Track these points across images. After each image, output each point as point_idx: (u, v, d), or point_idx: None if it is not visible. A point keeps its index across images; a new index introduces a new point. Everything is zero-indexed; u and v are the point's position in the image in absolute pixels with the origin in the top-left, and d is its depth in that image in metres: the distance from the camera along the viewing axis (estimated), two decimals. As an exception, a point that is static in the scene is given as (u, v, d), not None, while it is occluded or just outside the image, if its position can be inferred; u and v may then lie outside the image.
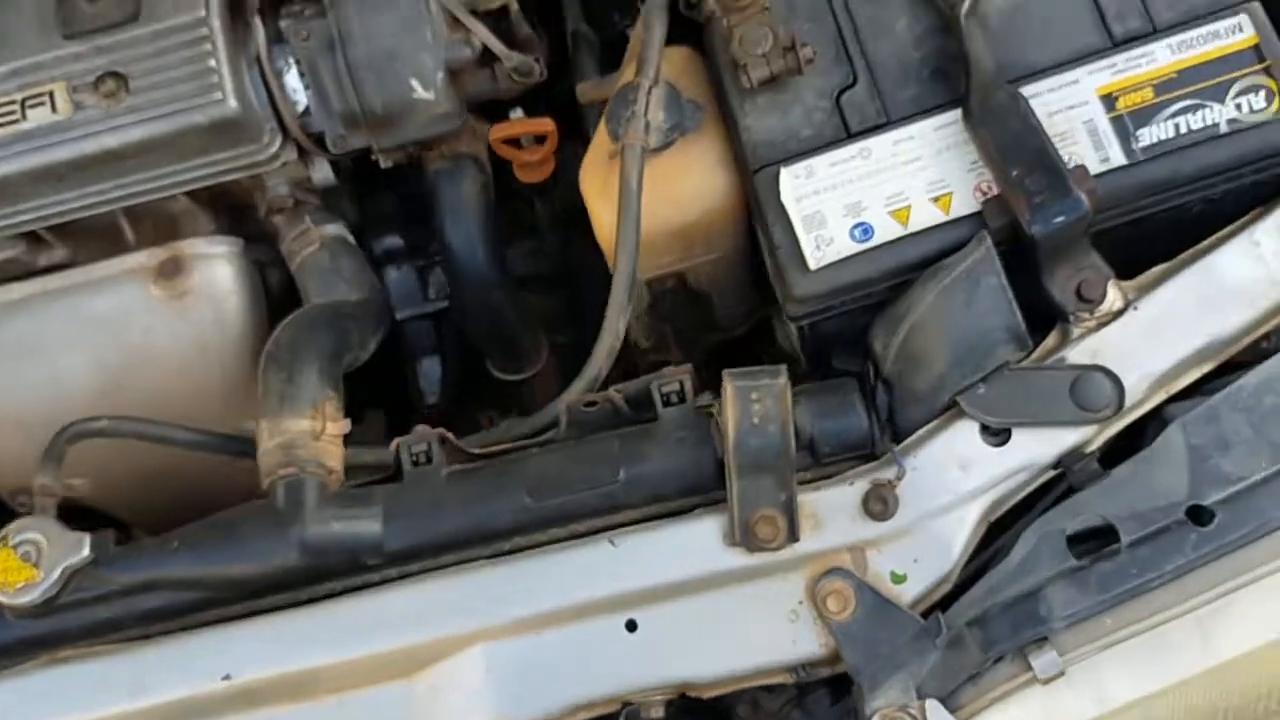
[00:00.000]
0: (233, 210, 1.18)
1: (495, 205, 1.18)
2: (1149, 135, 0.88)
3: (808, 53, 0.93)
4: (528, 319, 1.28)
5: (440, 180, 1.15)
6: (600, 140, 1.00)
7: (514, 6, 1.06)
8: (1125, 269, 0.91)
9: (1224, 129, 0.87)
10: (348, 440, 0.97)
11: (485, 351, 1.30)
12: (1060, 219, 0.85)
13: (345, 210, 1.21)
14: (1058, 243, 0.87)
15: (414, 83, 1.02)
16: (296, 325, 1.02)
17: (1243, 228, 0.90)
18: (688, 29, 1.03)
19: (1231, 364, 0.90)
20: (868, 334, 0.93)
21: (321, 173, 1.11)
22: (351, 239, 1.16)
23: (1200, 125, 0.87)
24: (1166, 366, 0.88)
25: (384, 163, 1.10)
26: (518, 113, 1.09)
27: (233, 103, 1.02)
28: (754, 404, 0.88)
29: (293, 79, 1.06)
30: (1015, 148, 0.86)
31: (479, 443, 1.00)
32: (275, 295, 1.19)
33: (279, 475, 0.93)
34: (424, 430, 0.99)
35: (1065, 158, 0.88)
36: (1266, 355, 0.91)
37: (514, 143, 1.10)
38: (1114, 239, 0.90)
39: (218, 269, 1.14)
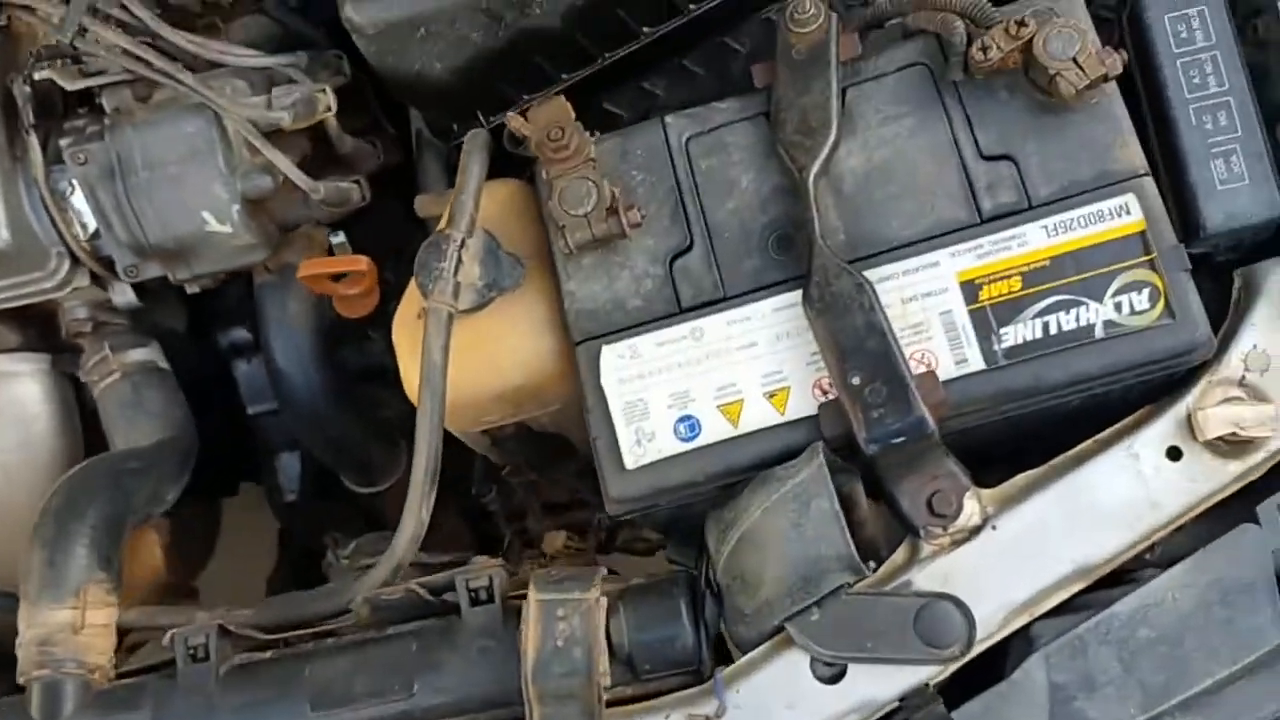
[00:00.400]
0: (43, 320, 1.07)
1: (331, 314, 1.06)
2: (1013, 335, 0.76)
3: (634, 216, 0.81)
4: (379, 426, 1.17)
5: (265, 295, 1.04)
6: (413, 292, 0.89)
7: (332, 123, 0.94)
8: (994, 458, 0.80)
9: (1099, 333, 0.75)
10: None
11: (331, 467, 1.19)
12: (899, 439, 0.74)
13: (170, 315, 1.09)
14: (900, 459, 0.75)
15: (206, 215, 0.90)
16: (69, 489, 0.91)
17: (1120, 436, 0.78)
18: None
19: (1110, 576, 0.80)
20: (704, 528, 0.82)
21: (123, 296, 1.00)
22: (162, 363, 1.05)
23: (1072, 326, 0.75)
24: (1026, 596, 0.77)
25: (190, 289, 0.99)
26: (339, 238, 0.97)
27: (4, 233, 0.91)
28: (559, 622, 0.78)
29: (79, 200, 0.94)
30: (856, 348, 0.74)
31: (272, 618, 0.90)
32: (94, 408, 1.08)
33: (34, 675, 0.83)
34: (203, 619, 0.89)
35: (916, 355, 0.76)
36: (1150, 565, 0.81)
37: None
38: (977, 436, 0.79)
39: (22, 388, 1.04)
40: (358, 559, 1.17)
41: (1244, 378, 0.77)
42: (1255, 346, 0.77)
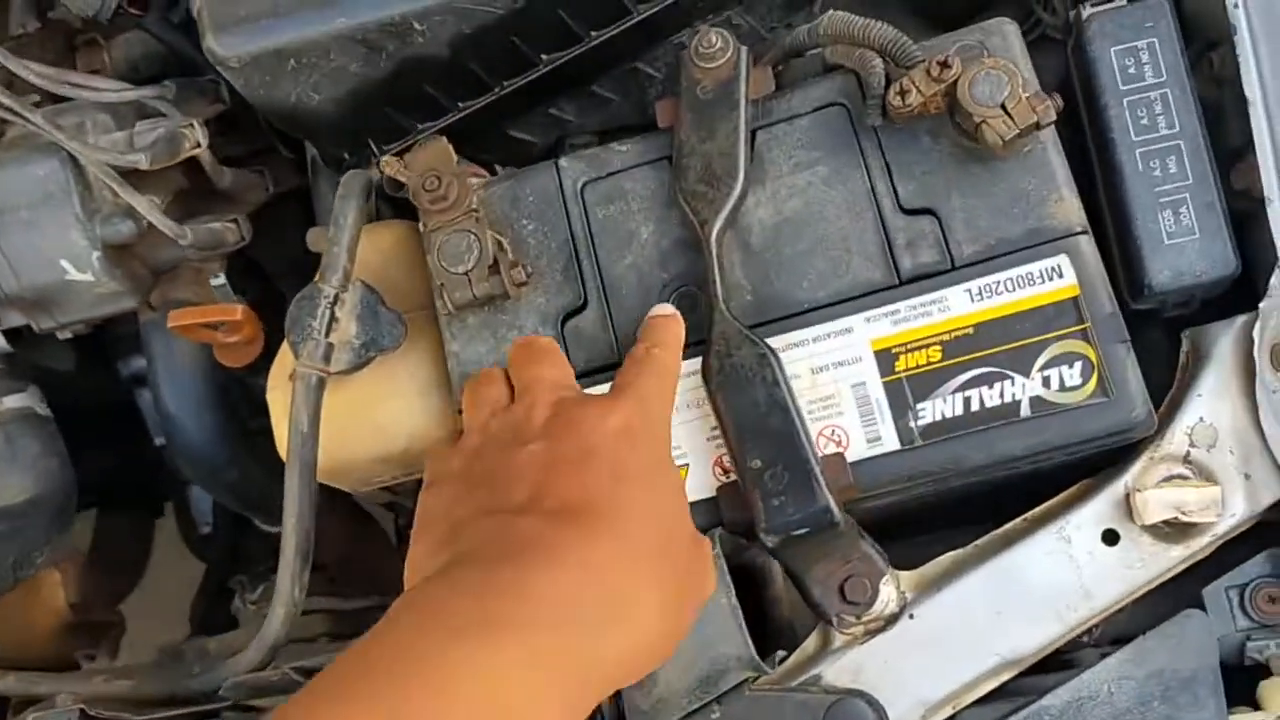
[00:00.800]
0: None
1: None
2: (931, 411, 0.68)
3: (519, 274, 0.73)
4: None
5: (150, 336, 0.96)
6: (287, 349, 0.81)
7: (206, 157, 0.86)
8: (915, 526, 0.73)
9: (1025, 411, 0.67)
10: None
11: (234, 510, 1.12)
12: (800, 530, 0.66)
13: (53, 356, 1.02)
14: (808, 544, 0.68)
15: (65, 264, 0.82)
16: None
17: (1052, 516, 0.71)
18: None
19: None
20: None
21: (-9, 344, 0.92)
22: (41, 409, 0.97)
23: (996, 403, 0.67)
24: (947, 691, 0.70)
25: (61, 335, 0.91)
26: (219, 280, 0.89)
27: None
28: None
29: (-67, 244, 0.86)
30: (757, 427, 0.67)
31: (149, 693, 0.84)
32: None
33: None
34: (75, 694, 0.82)
35: (826, 432, 0.69)
36: (1086, 647, 0.74)
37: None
38: (896, 508, 0.72)
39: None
40: (264, 605, 1.11)
41: (1189, 454, 0.70)
42: (1201, 419, 0.70)
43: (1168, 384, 0.74)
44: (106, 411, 1.17)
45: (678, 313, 0.72)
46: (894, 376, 0.69)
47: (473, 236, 0.73)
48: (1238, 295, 0.74)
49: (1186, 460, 0.70)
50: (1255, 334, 0.69)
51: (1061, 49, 0.83)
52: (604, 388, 0.72)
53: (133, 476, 1.28)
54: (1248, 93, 0.70)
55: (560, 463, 0.61)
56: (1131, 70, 0.73)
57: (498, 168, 0.88)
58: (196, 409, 0.98)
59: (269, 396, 0.82)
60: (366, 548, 1.28)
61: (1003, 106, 0.67)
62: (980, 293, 0.69)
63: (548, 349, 0.71)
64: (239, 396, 1.03)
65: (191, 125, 0.82)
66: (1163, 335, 0.78)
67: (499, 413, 0.67)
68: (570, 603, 0.55)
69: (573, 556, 0.56)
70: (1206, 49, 0.75)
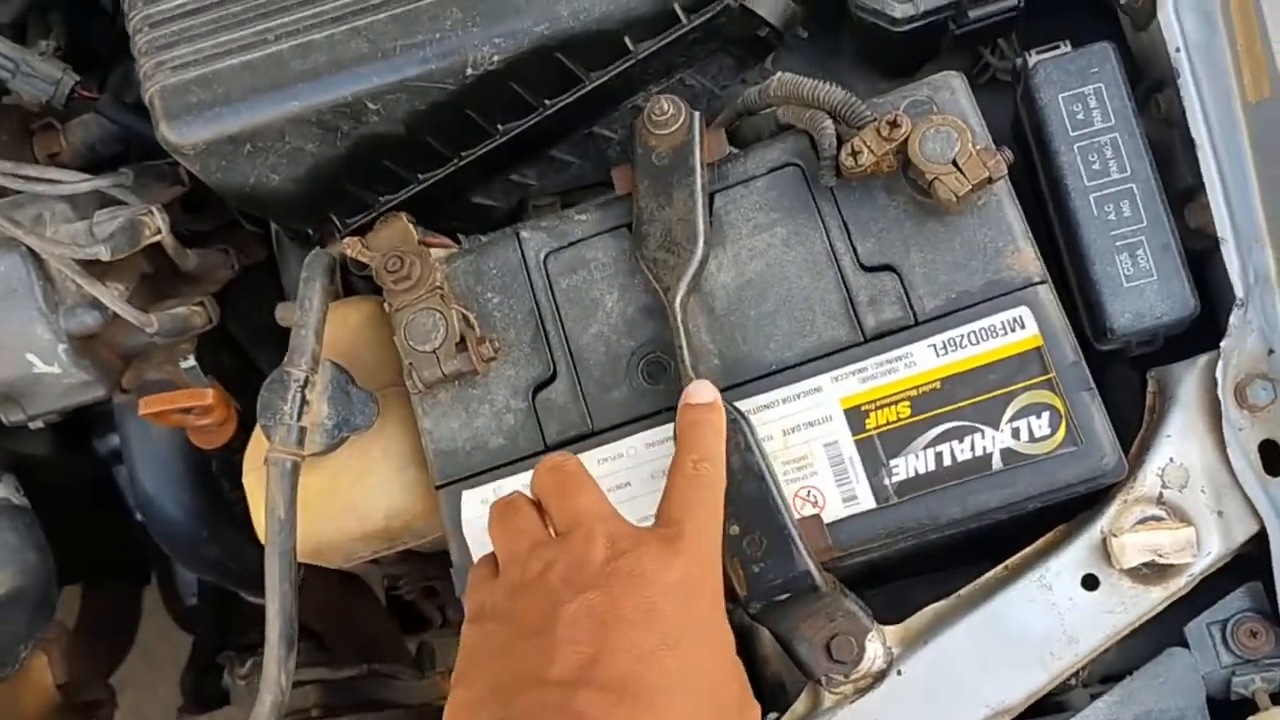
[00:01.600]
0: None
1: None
2: (904, 467, 0.68)
3: (487, 350, 0.73)
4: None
5: (123, 418, 0.95)
6: (259, 434, 0.81)
7: (169, 242, 0.85)
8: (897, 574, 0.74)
9: (997, 463, 0.67)
10: None
11: (219, 585, 1.12)
12: (782, 595, 0.67)
13: (29, 443, 1.01)
14: (788, 610, 0.68)
15: (31, 357, 0.82)
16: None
17: (1031, 564, 0.72)
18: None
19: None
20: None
21: (-37, 436, 0.92)
22: (18, 499, 0.96)
23: (968, 456, 0.68)
24: (937, 745, 0.71)
25: (33, 425, 0.91)
26: (189, 363, 0.89)
27: None
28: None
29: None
30: (732, 495, 0.67)
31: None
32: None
33: None
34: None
35: (801, 494, 0.69)
36: (1075, 688, 0.74)
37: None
38: (873, 562, 0.72)
39: None
40: (254, 679, 1.11)
41: (1162, 495, 0.70)
42: (1172, 460, 0.71)
43: (1139, 420, 0.74)
44: (85, 489, 1.17)
45: (717, 395, 0.68)
46: (865, 434, 0.69)
47: (438, 315, 0.73)
48: (1201, 330, 0.74)
49: (1160, 501, 0.70)
50: (1219, 373, 0.69)
51: (1011, 91, 0.84)
52: (590, 457, 0.72)
53: (116, 550, 1.27)
54: (1195, 135, 0.71)
55: (618, 623, 0.56)
56: (1080, 116, 0.74)
57: (461, 237, 0.89)
58: (173, 489, 0.98)
59: (245, 480, 0.82)
60: (355, 610, 1.28)
61: (954, 163, 0.68)
62: (945, 347, 0.69)
63: (579, 474, 0.65)
64: (218, 468, 1.02)
65: (151, 212, 0.82)
66: (1130, 371, 0.79)
67: (541, 546, 0.61)
68: None
69: None
70: (1153, 90, 0.76)
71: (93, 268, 0.82)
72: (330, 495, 0.79)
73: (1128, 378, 0.80)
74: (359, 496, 0.80)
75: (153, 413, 0.85)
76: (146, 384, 0.95)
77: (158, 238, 0.82)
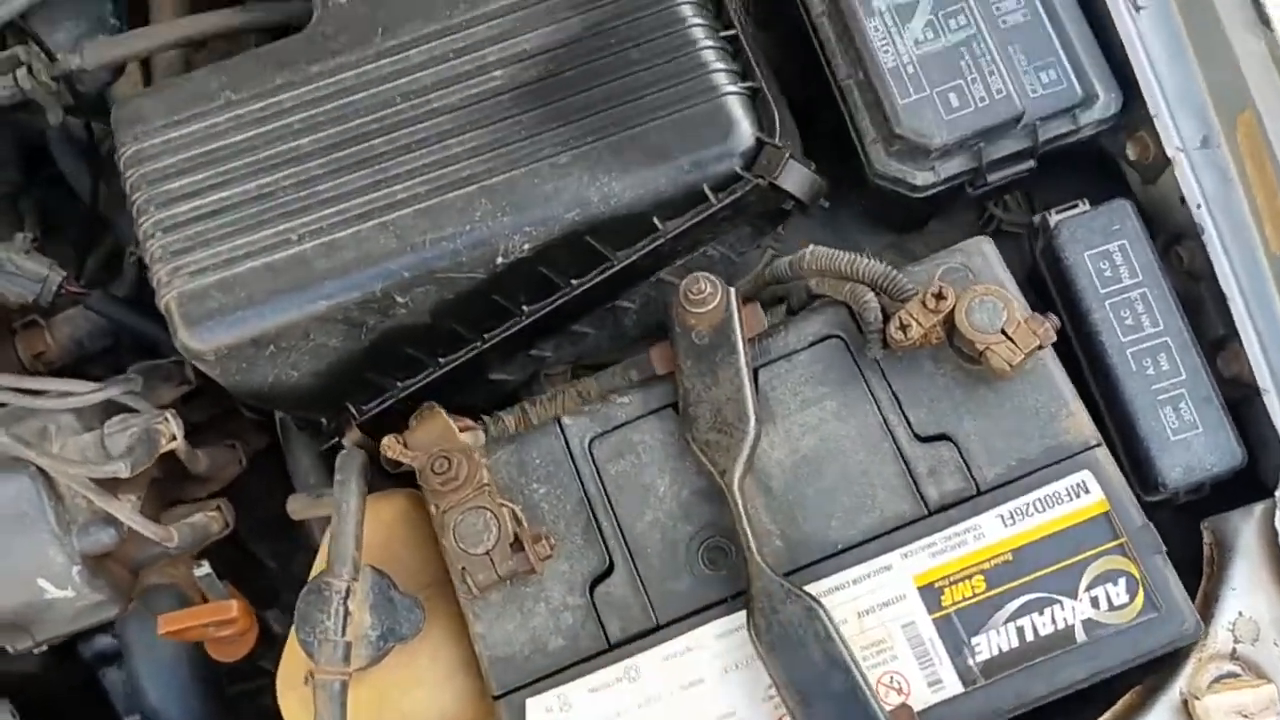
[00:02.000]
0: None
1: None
2: (987, 645, 0.67)
3: (543, 548, 0.71)
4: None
5: (128, 631, 0.90)
6: (296, 645, 0.76)
7: (182, 448, 0.81)
8: None
9: (1080, 636, 0.66)
10: None
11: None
12: (883, 796, 0.64)
13: (24, 662, 0.94)
14: (884, 805, 0.66)
15: (43, 583, 0.77)
16: None
17: (1113, 731, 0.71)
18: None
19: None
20: None
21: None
22: (5, 711, 0.90)
23: (1050, 630, 0.67)
24: None
25: (37, 651, 0.85)
26: (203, 569, 0.84)
27: None
28: None
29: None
30: (818, 690, 0.65)
31: None
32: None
33: None
34: None
35: (885, 680, 0.67)
36: None
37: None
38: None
39: None
40: None
41: (1235, 650, 0.70)
42: (1241, 614, 0.70)
43: (1189, 565, 0.74)
44: (73, 696, 1.09)
45: None
46: (942, 612, 0.68)
47: (489, 514, 0.71)
48: (1242, 474, 0.75)
49: (1234, 657, 0.70)
50: (1278, 523, 0.70)
51: (1019, 242, 0.85)
52: (643, 657, 0.69)
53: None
54: (1225, 289, 0.72)
55: None
56: (1108, 273, 0.75)
57: (485, 418, 0.86)
58: (182, 700, 0.92)
59: (282, 701, 0.77)
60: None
61: (1003, 331, 0.68)
62: (1012, 516, 0.69)
63: None
64: (219, 667, 0.97)
65: (165, 420, 0.79)
66: (1175, 517, 0.79)
67: None
68: None
69: None
70: (1172, 243, 0.78)
71: (106, 482, 0.77)
72: (377, 710, 0.75)
73: (1173, 524, 0.80)
74: (409, 709, 0.75)
75: (172, 630, 0.80)
76: (151, 590, 0.89)
77: (173, 445, 0.79)
